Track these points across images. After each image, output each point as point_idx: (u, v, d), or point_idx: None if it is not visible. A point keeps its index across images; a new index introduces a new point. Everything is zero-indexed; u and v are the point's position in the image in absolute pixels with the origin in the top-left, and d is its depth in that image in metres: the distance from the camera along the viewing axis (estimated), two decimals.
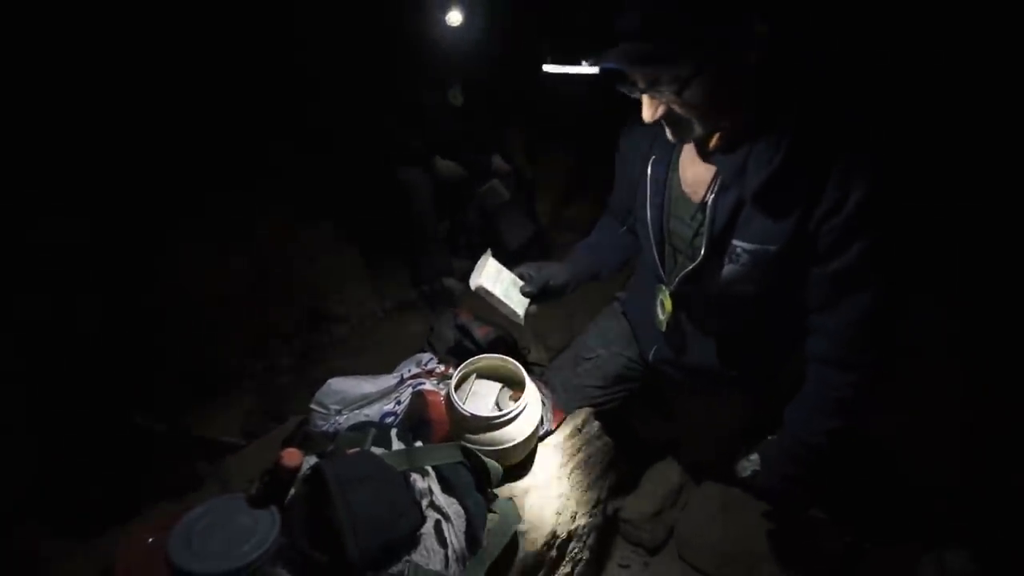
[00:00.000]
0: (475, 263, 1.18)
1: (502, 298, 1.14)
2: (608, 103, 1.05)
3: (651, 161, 1.11)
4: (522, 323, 1.19)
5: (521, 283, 1.19)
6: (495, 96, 2.54)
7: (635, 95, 0.93)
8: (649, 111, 0.93)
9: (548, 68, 1.04)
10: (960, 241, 1.54)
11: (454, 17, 2.22)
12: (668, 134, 0.98)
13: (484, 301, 1.15)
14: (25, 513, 1.35)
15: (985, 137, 1.51)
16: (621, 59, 0.85)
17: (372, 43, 2.32)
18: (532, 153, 2.84)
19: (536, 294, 1.17)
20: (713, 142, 0.99)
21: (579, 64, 0.94)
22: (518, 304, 1.17)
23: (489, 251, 1.20)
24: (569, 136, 2.85)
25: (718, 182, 0.99)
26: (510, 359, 1.15)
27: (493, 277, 1.16)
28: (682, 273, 1.09)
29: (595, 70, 0.90)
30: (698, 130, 0.94)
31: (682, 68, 0.85)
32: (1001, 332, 1.47)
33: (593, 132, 2.18)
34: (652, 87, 0.89)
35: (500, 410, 1.07)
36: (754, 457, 1.21)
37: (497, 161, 2.56)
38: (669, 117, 0.94)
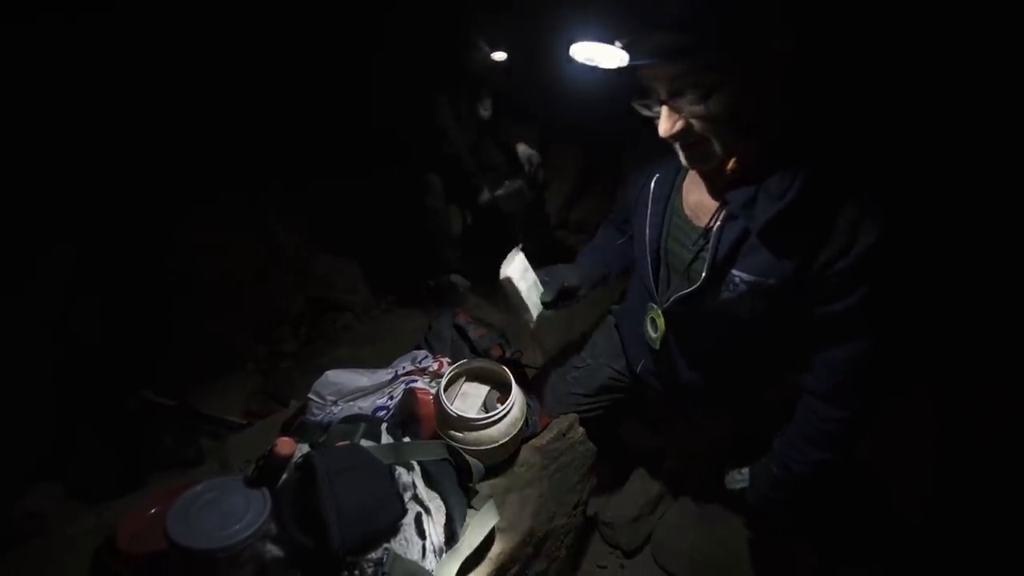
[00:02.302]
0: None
1: (524, 297, 1.13)
2: (617, 106, 1.03)
3: (654, 179, 1.11)
4: (532, 326, 1.18)
5: (541, 289, 1.19)
6: (516, 103, 2.58)
7: (653, 110, 0.91)
8: (667, 124, 0.90)
9: (575, 50, 0.93)
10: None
11: (499, 56, 2.28)
12: (682, 158, 0.96)
13: (486, 301, 1.17)
14: (38, 476, 1.44)
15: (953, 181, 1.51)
16: (654, 51, 0.83)
17: (416, 59, 2.37)
18: (543, 156, 2.88)
19: (555, 300, 1.18)
20: (730, 166, 0.96)
21: (610, 44, 0.86)
22: (534, 307, 1.17)
23: (520, 245, 1.20)
24: (577, 138, 2.88)
25: (724, 211, 0.99)
26: (499, 364, 1.19)
27: (520, 272, 1.15)
28: (677, 295, 1.10)
29: (624, 57, 0.84)
30: (716, 150, 0.91)
31: (709, 73, 0.83)
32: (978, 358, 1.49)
33: (601, 134, 2.21)
34: (673, 96, 0.87)
35: (486, 412, 1.12)
36: (744, 472, 1.25)
37: (523, 149, 2.56)
38: (687, 134, 0.90)
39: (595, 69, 0.90)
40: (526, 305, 1.15)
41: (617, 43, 0.85)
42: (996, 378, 1.47)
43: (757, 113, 0.89)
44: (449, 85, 2.35)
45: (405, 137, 2.44)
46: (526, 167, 2.55)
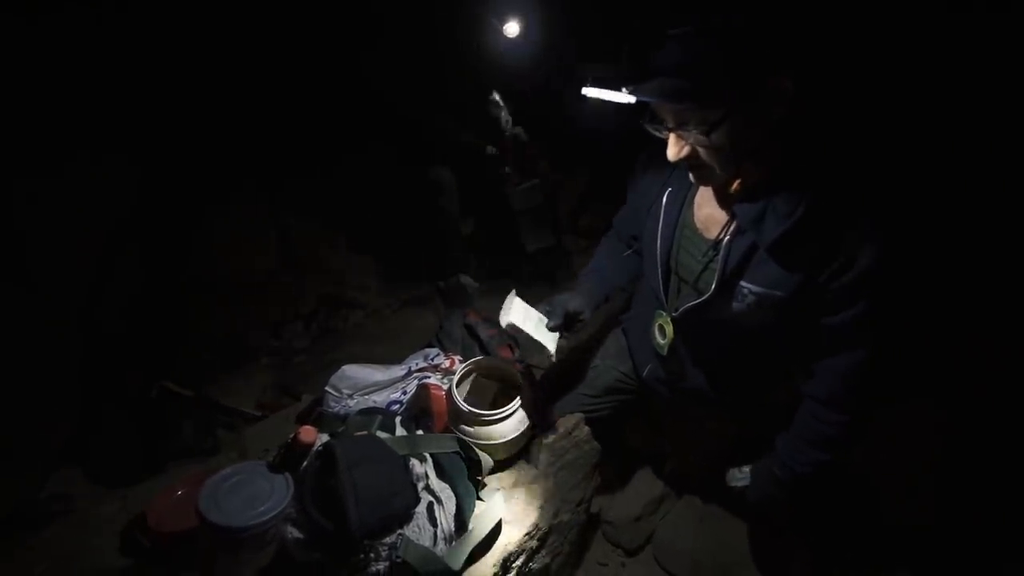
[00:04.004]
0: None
1: (532, 334, 1.16)
2: (627, 116, 1.10)
3: (667, 192, 1.15)
4: (553, 358, 1.21)
5: (545, 320, 1.21)
6: (528, 105, 2.62)
7: (662, 134, 0.97)
8: (674, 149, 0.97)
9: (587, 91, 1.03)
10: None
11: (512, 28, 2.29)
12: (691, 176, 1.03)
13: (495, 313, 1.20)
14: (63, 460, 1.50)
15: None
16: (657, 92, 0.89)
17: (421, 47, 2.42)
18: (554, 165, 2.92)
19: (562, 324, 1.20)
20: (734, 187, 1.01)
21: (617, 91, 0.95)
22: (549, 340, 1.19)
23: (514, 291, 1.23)
24: (587, 145, 2.92)
25: (733, 225, 1.04)
26: (509, 363, 1.24)
27: (522, 315, 1.18)
28: (688, 304, 1.13)
29: (631, 99, 0.92)
30: (718, 173, 0.98)
31: (711, 111, 0.89)
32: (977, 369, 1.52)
33: (611, 142, 2.25)
34: (680, 126, 0.93)
35: (496, 408, 1.17)
36: (746, 470, 1.29)
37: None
38: (692, 158, 0.97)
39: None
40: (539, 343, 1.17)
41: (624, 89, 0.91)
42: (990, 386, 1.50)
43: (758, 142, 0.95)
44: (461, 78, 2.39)
45: (420, 122, 2.47)
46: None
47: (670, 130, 0.95)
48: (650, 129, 0.98)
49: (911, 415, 1.50)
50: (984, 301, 1.55)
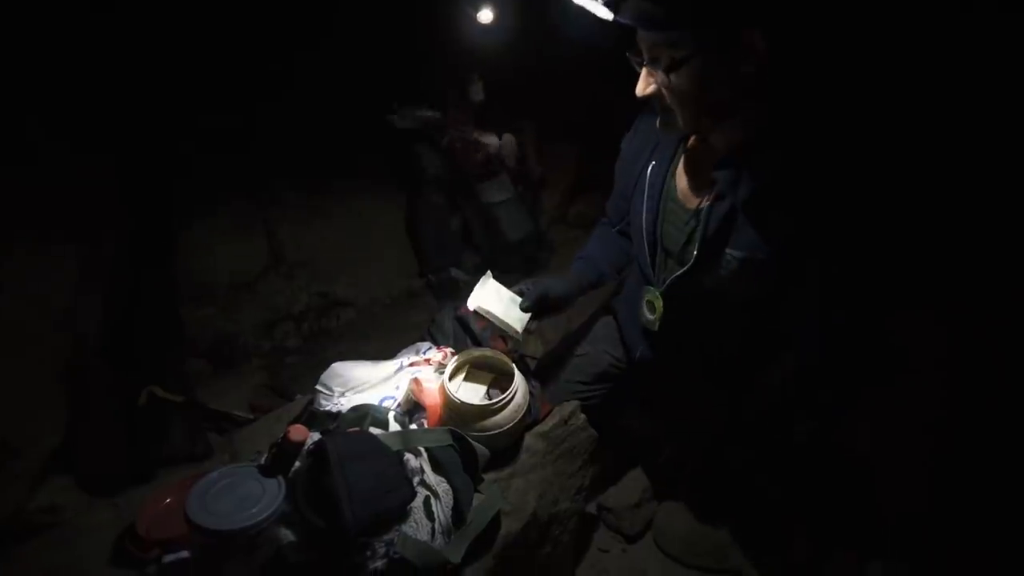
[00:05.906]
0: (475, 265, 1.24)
1: (500, 316, 1.21)
2: (615, 99, 1.12)
3: (650, 167, 1.17)
4: (520, 339, 1.25)
5: (518, 300, 1.24)
6: (510, 91, 2.60)
7: (637, 67, 1.00)
8: (641, 84, 1.00)
9: None
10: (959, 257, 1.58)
11: (485, 15, 2.27)
12: (658, 122, 1.06)
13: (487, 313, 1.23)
14: (53, 469, 1.47)
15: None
16: (631, 14, 0.91)
17: (398, 34, 2.38)
18: (540, 149, 2.90)
19: (532, 307, 1.22)
20: (691, 142, 1.06)
21: (598, 3, 0.97)
22: (517, 321, 1.23)
23: (489, 272, 1.26)
24: (576, 132, 2.90)
25: (714, 191, 1.05)
26: (501, 353, 1.23)
27: (492, 297, 1.23)
28: (673, 276, 1.15)
29: (609, 15, 0.95)
30: (679, 119, 1.01)
31: (679, 47, 0.90)
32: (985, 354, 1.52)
33: (599, 129, 2.23)
34: (651, 62, 0.96)
35: (490, 399, 1.15)
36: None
37: (507, 138, 2.59)
38: (657, 98, 1.00)
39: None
40: (507, 324, 1.22)
41: (600, 2, 0.94)
42: (987, 367, 1.50)
43: (722, 97, 0.96)
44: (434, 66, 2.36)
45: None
46: (507, 159, 2.56)
47: (641, 64, 0.97)
48: (631, 58, 0.99)
49: (907, 398, 1.50)
50: (979, 284, 1.54)
